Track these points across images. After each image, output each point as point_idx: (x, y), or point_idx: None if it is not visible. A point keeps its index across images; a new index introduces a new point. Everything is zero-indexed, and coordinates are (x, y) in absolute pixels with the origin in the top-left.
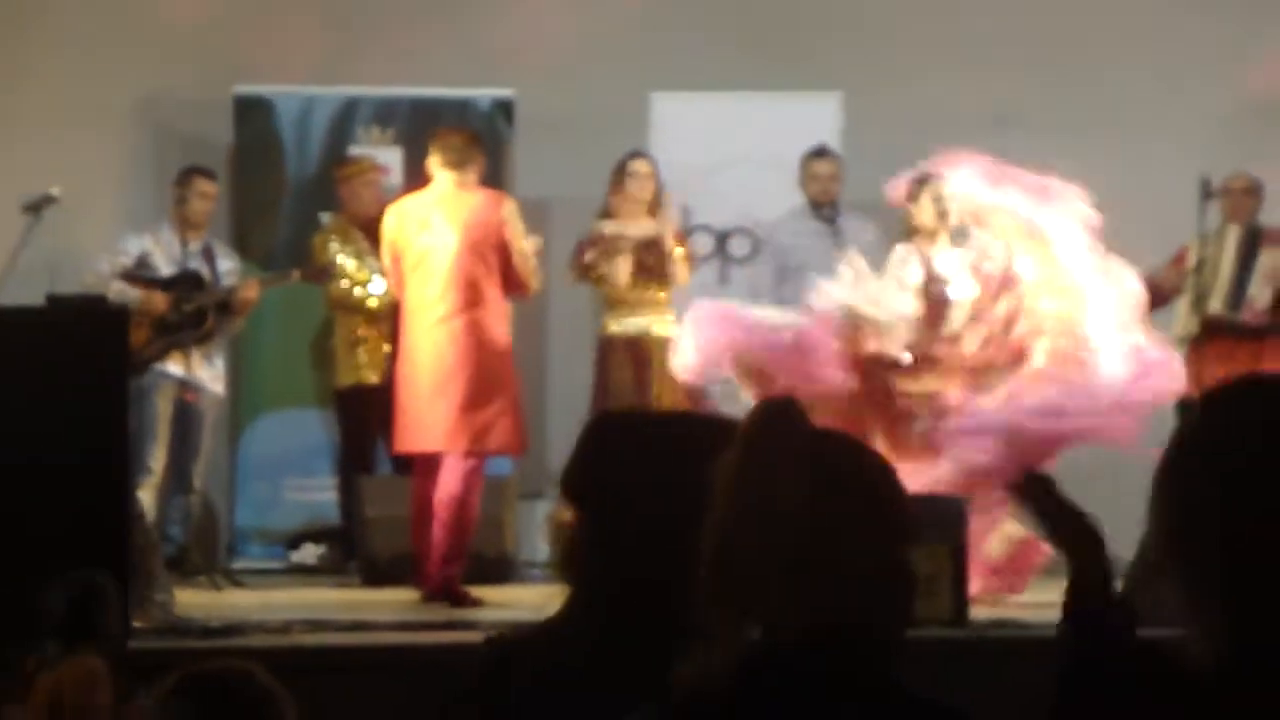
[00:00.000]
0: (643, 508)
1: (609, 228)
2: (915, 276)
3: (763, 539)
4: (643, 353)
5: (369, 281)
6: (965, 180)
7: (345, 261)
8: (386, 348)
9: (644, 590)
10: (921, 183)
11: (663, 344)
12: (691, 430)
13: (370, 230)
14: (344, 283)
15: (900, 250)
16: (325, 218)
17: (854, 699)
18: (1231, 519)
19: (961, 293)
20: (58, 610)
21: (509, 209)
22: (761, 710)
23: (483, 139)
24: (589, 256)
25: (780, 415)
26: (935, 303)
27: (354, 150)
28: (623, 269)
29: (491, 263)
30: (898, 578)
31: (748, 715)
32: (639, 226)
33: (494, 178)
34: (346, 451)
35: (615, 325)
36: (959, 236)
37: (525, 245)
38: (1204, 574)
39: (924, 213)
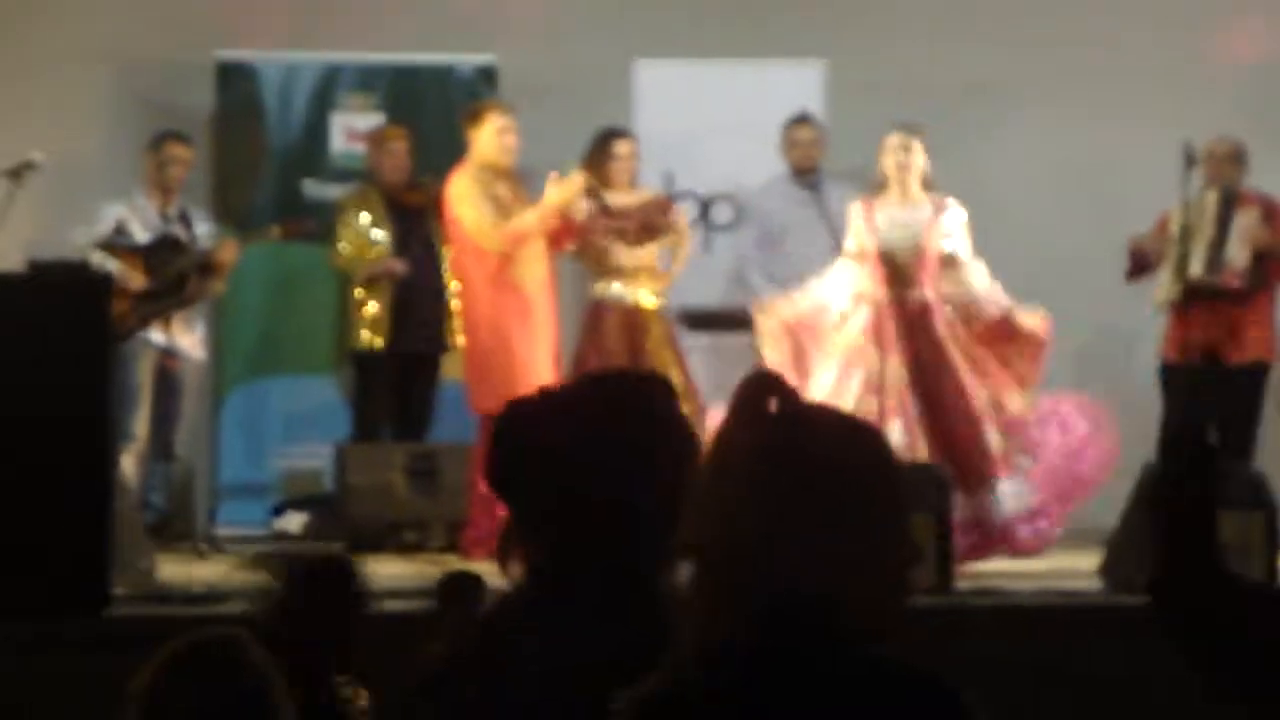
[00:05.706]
0: (568, 482)
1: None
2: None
3: (737, 506)
4: (637, 319)
5: (372, 246)
6: None
7: (361, 226)
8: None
9: (595, 555)
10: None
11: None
12: (608, 391)
13: (394, 197)
14: (346, 246)
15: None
16: (308, 184)
17: (835, 674)
18: None
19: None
20: None
21: None
22: (738, 694)
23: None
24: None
25: (765, 387)
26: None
27: (336, 116)
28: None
29: None
30: (885, 550)
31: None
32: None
33: None
34: (362, 416)
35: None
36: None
37: None
38: None
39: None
